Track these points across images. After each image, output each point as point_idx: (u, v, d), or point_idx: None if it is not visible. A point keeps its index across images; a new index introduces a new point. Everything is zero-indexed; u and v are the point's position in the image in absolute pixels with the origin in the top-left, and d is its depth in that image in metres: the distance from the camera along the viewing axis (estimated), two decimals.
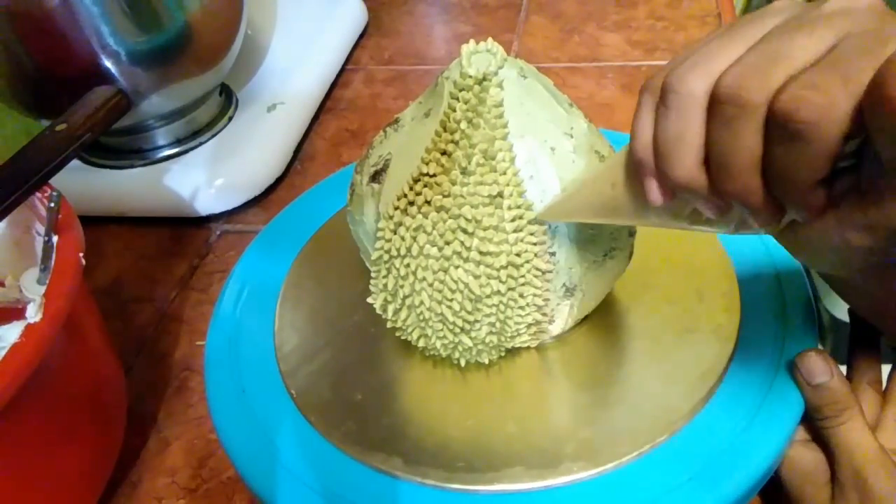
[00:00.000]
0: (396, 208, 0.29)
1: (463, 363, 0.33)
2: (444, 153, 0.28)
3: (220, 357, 0.36)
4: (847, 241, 0.21)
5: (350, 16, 0.72)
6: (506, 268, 0.29)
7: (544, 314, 0.31)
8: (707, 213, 0.23)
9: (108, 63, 0.47)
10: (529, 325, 0.31)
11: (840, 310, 0.47)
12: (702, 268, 0.36)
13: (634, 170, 0.25)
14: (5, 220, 0.36)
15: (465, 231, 0.28)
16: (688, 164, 0.22)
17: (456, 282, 0.29)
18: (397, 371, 0.34)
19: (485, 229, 0.28)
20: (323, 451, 0.31)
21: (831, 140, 0.19)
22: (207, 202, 0.53)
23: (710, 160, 0.22)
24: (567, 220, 0.29)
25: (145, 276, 0.50)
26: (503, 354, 0.33)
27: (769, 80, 0.20)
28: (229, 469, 0.38)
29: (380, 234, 0.31)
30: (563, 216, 0.29)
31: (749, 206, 0.22)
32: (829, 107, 0.19)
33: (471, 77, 0.27)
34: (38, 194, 0.36)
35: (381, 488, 0.29)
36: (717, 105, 0.21)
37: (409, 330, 0.32)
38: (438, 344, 0.32)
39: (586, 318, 0.34)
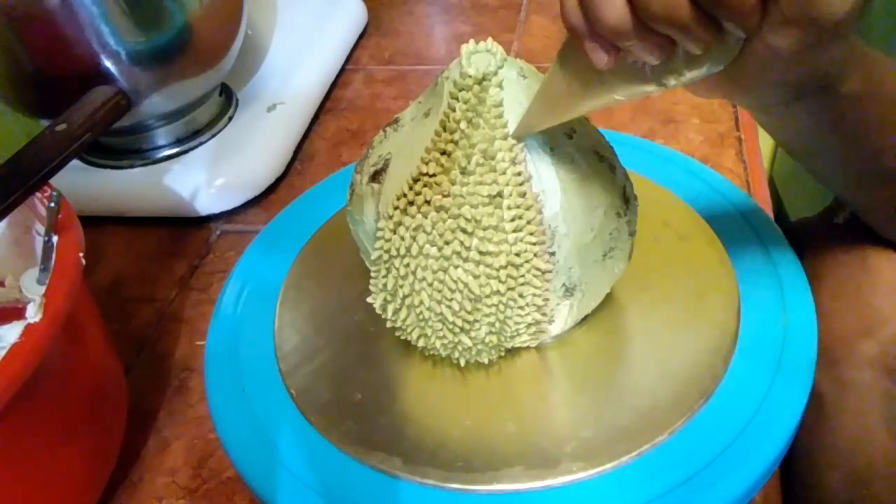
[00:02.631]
0: (396, 208, 0.29)
1: (462, 363, 0.33)
2: (443, 153, 0.28)
3: (220, 357, 0.36)
4: (779, 47, 0.22)
5: (350, 16, 0.72)
6: (505, 268, 0.29)
7: (544, 314, 0.31)
8: (650, 58, 0.24)
9: (108, 63, 0.47)
10: (529, 325, 0.31)
11: None
12: (702, 268, 0.36)
13: (575, 46, 0.25)
14: (5, 220, 0.36)
15: (464, 231, 0.28)
16: (616, 5, 0.22)
17: (455, 282, 0.29)
18: (397, 371, 0.34)
19: (484, 229, 0.28)
20: (322, 450, 0.31)
21: None
22: (207, 202, 0.53)
23: None
24: (538, 129, 0.29)
25: (145, 276, 0.50)
26: (503, 354, 0.33)
27: None
28: (229, 469, 0.38)
29: (379, 233, 0.31)
30: (532, 126, 0.29)
31: (680, 25, 0.22)
32: None
33: (471, 77, 0.27)
34: (38, 194, 0.36)
35: (380, 488, 0.29)
36: None
37: (409, 330, 0.32)
38: (438, 344, 0.32)
39: (586, 318, 0.34)
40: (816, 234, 0.40)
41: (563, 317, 0.32)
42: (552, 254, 0.30)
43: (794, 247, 0.36)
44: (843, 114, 0.29)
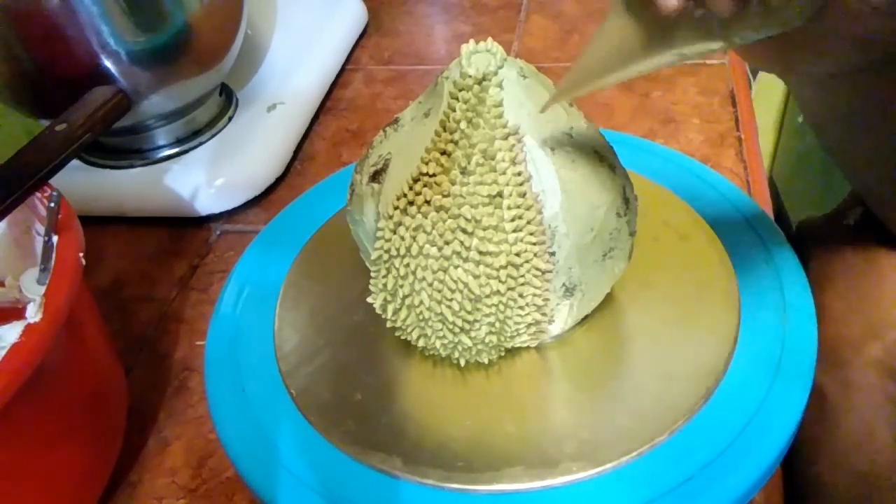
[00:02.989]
0: (396, 208, 0.29)
1: (462, 363, 0.33)
2: (443, 153, 0.28)
3: (220, 357, 0.36)
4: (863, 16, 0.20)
5: (350, 16, 0.72)
6: (505, 268, 0.29)
7: (544, 314, 0.31)
8: (723, 7, 0.21)
9: (108, 63, 0.47)
10: (529, 325, 0.31)
11: None
12: (702, 268, 0.36)
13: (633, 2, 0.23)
14: (5, 220, 0.36)
15: (464, 231, 0.29)
16: None
17: (455, 281, 0.29)
18: (397, 371, 0.34)
19: (484, 229, 0.28)
20: (323, 450, 0.31)
21: None
22: (207, 202, 0.53)
23: None
24: (583, 90, 0.27)
25: (145, 276, 0.50)
26: (503, 354, 0.33)
27: None
28: (229, 469, 0.38)
29: (379, 233, 0.31)
30: (578, 85, 0.27)
31: None
32: None
33: (471, 77, 0.27)
34: (38, 194, 0.36)
35: (380, 488, 0.29)
36: None
37: (409, 330, 0.32)
38: (438, 344, 0.32)
39: (586, 318, 0.34)
40: (825, 235, 0.40)
41: (563, 317, 0.32)
42: (552, 254, 0.30)
43: (801, 246, 0.36)
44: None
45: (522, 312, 0.31)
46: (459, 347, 0.32)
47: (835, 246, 0.38)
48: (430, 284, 0.30)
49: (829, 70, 0.27)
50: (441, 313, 0.30)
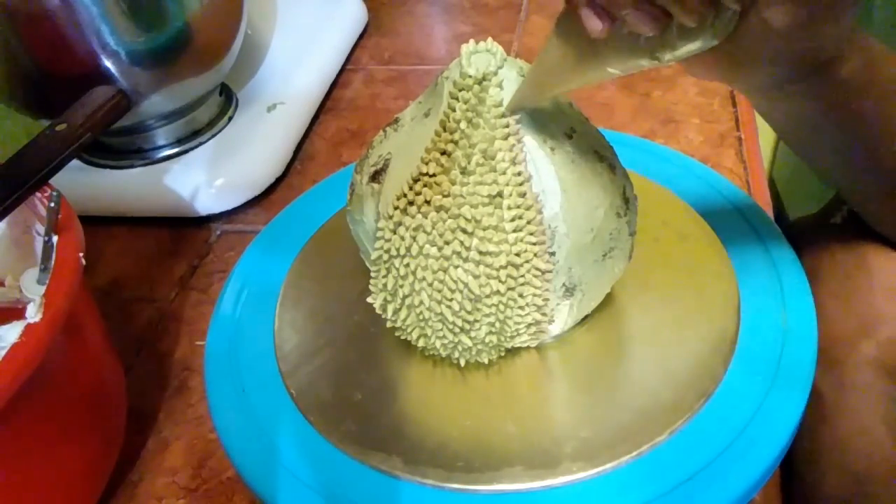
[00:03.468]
0: (396, 208, 0.29)
1: (463, 363, 0.33)
2: (443, 153, 0.28)
3: (220, 357, 0.36)
4: (773, 21, 0.22)
5: (350, 16, 0.72)
6: (505, 268, 0.29)
7: (544, 314, 0.31)
8: (645, 29, 0.23)
9: (108, 63, 0.47)
10: (529, 325, 0.31)
11: None
12: (702, 268, 0.36)
13: (572, 16, 0.25)
14: (5, 220, 0.36)
15: (464, 231, 0.28)
16: None
17: (455, 282, 0.29)
18: (397, 371, 0.34)
19: (484, 229, 0.28)
20: (323, 450, 0.31)
21: None
22: (207, 202, 0.53)
23: None
24: (531, 104, 0.29)
25: (145, 276, 0.50)
26: (503, 354, 0.33)
27: None
28: (229, 469, 0.38)
29: (379, 233, 0.31)
30: (526, 100, 0.28)
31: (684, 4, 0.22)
32: None
33: (471, 77, 0.27)
34: (38, 194, 0.36)
35: (380, 488, 0.29)
36: None
37: (409, 330, 0.32)
38: (438, 344, 0.32)
39: (586, 318, 0.34)
40: (813, 234, 0.40)
41: (563, 317, 0.32)
42: (552, 254, 0.30)
43: (793, 247, 0.36)
44: (840, 100, 0.29)
45: (522, 312, 0.31)
46: (459, 347, 0.32)
47: (824, 245, 0.38)
48: (430, 284, 0.30)
49: (759, 82, 0.29)
50: (441, 313, 0.30)
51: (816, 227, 0.41)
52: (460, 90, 0.28)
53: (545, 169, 0.29)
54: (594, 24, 0.24)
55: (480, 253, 0.29)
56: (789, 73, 0.27)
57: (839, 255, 0.37)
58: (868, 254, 0.36)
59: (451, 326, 0.31)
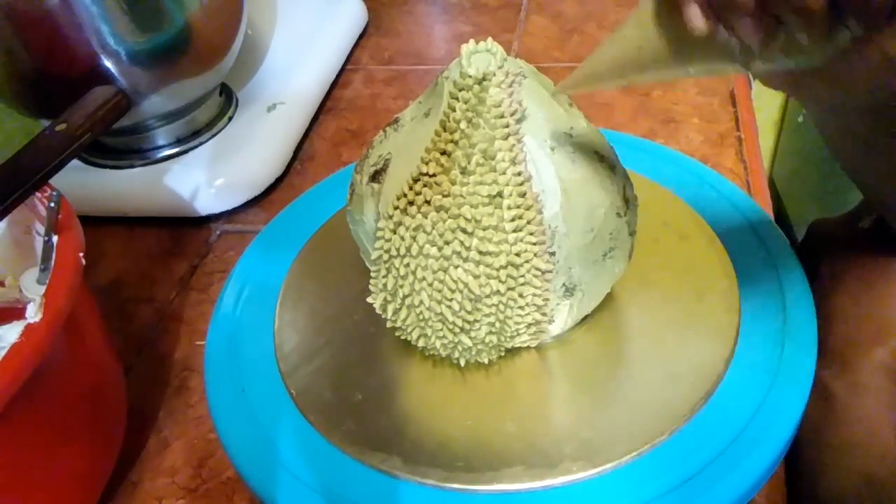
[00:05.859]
0: (396, 208, 0.29)
1: (463, 363, 0.33)
2: (443, 153, 0.28)
3: (220, 357, 0.36)
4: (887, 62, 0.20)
5: (350, 16, 0.72)
6: (505, 268, 0.29)
7: (544, 314, 0.31)
8: (751, 38, 0.22)
9: (108, 63, 0.47)
10: (529, 325, 0.31)
11: None
12: (702, 268, 0.36)
13: (665, 7, 0.23)
14: (5, 220, 0.36)
15: (464, 231, 0.28)
16: None
17: (455, 281, 0.29)
18: (397, 371, 0.34)
19: (484, 229, 0.28)
20: (323, 450, 0.31)
21: None
22: (207, 202, 0.53)
23: None
24: (593, 85, 0.27)
25: (145, 276, 0.50)
26: (503, 354, 0.33)
27: None
28: (229, 469, 0.38)
29: (379, 233, 0.31)
30: (582, 83, 0.27)
31: (803, 9, 0.20)
32: None
33: (471, 77, 0.27)
34: (38, 194, 0.36)
35: (380, 488, 0.29)
36: None
37: (409, 330, 0.32)
38: (438, 344, 0.32)
39: (586, 318, 0.34)
40: (839, 237, 0.40)
41: (563, 317, 0.32)
42: (552, 254, 0.30)
43: (812, 247, 0.36)
44: None
45: (522, 312, 0.31)
46: (459, 347, 0.32)
47: (849, 248, 0.38)
48: (430, 284, 0.30)
49: (838, 104, 0.27)
50: (441, 313, 0.30)
51: (841, 229, 0.41)
52: (460, 90, 0.28)
53: (545, 169, 0.29)
54: (698, 23, 0.22)
55: (480, 253, 0.29)
56: (881, 102, 0.25)
57: (863, 260, 0.37)
58: (893, 262, 0.36)
59: (451, 326, 0.31)
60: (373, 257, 0.31)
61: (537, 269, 0.30)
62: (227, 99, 0.61)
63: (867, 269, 0.36)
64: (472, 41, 0.28)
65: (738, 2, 0.21)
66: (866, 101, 0.26)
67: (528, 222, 0.29)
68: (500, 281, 0.29)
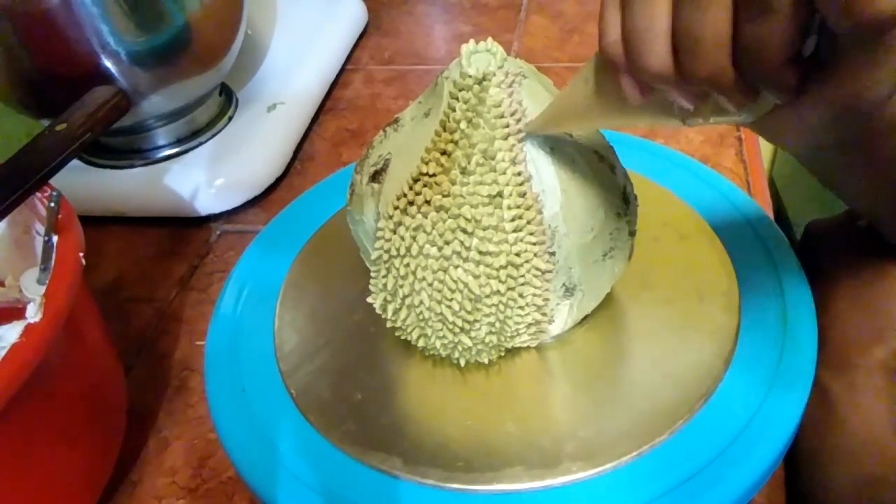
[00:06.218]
0: (396, 208, 0.29)
1: (463, 363, 0.33)
2: (443, 153, 0.28)
3: (220, 357, 0.36)
4: (817, 117, 0.22)
5: (350, 16, 0.72)
6: (505, 268, 0.29)
7: (544, 314, 0.31)
8: (682, 103, 0.23)
9: (108, 63, 0.47)
10: (529, 325, 0.31)
11: None
12: (702, 268, 0.36)
13: (607, 69, 0.25)
14: (5, 220, 0.36)
15: (464, 231, 0.28)
16: (658, 52, 0.22)
17: (455, 281, 0.29)
18: (397, 371, 0.34)
19: (484, 229, 0.28)
20: (323, 450, 0.31)
21: (800, 10, 0.19)
22: (207, 202, 0.53)
23: (680, 45, 0.22)
24: (551, 131, 0.29)
25: (145, 276, 0.50)
26: (503, 354, 0.33)
27: None
28: (229, 469, 0.38)
29: (379, 233, 0.31)
30: (543, 128, 0.29)
31: (721, 88, 0.22)
32: None
33: (471, 77, 0.27)
34: (38, 194, 0.36)
35: (380, 488, 0.29)
36: None
37: (409, 330, 0.32)
38: (438, 344, 0.32)
39: (586, 318, 0.34)
40: (837, 237, 0.40)
41: (563, 317, 0.32)
42: (552, 254, 0.30)
43: (810, 247, 0.36)
44: (880, 144, 0.28)
45: (522, 312, 0.31)
46: (459, 347, 0.32)
47: (847, 248, 0.38)
48: (430, 284, 0.30)
49: (792, 146, 0.28)
50: (441, 313, 0.30)
51: (840, 229, 0.41)
52: (460, 90, 0.28)
53: (545, 169, 0.29)
54: (633, 94, 0.24)
55: (480, 253, 0.29)
56: (825, 142, 0.26)
57: (861, 259, 0.37)
58: (891, 261, 0.36)
59: (451, 326, 0.31)
60: (373, 257, 0.31)
61: (537, 269, 0.30)
62: (227, 99, 0.61)
63: (865, 269, 0.36)
64: (472, 41, 0.28)
65: (662, 79, 0.22)
66: (804, 146, 0.27)
67: (528, 222, 0.29)
68: (500, 281, 0.29)
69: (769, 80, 0.21)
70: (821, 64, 0.21)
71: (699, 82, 0.22)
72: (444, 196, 0.28)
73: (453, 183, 0.28)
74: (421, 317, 0.31)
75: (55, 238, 0.33)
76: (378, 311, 0.33)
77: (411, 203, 0.29)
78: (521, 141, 0.29)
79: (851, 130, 0.23)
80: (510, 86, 0.28)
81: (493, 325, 0.31)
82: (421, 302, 0.30)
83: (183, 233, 0.53)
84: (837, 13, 0.19)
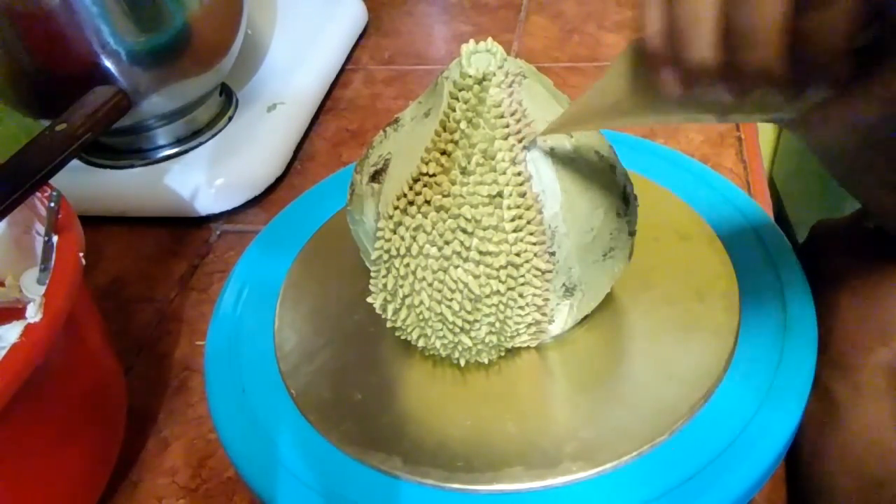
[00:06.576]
0: (396, 208, 0.29)
1: (463, 363, 0.33)
2: (443, 153, 0.28)
3: (220, 357, 0.36)
4: (864, 113, 0.21)
5: (350, 16, 0.72)
6: (505, 268, 0.29)
7: (544, 314, 0.31)
8: (727, 98, 0.22)
9: (108, 63, 0.47)
10: (529, 325, 0.31)
11: None
12: (702, 268, 0.36)
13: (643, 65, 0.24)
14: (5, 220, 0.36)
15: (464, 231, 0.28)
16: (707, 44, 0.21)
17: (455, 281, 0.29)
18: (397, 371, 0.34)
19: (484, 229, 0.28)
20: (323, 450, 0.31)
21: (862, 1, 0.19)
22: (207, 202, 0.53)
23: (731, 34, 0.21)
24: (575, 129, 0.28)
25: (145, 276, 0.50)
26: (503, 354, 0.33)
27: None
28: (229, 469, 0.38)
29: (379, 233, 0.31)
30: (571, 124, 0.28)
31: (772, 80, 0.21)
32: None
33: (471, 77, 0.27)
34: (38, 194, 0.36)
35: (380, 488, 0.29)
36: None
37: (409, 330, 0.32)
38: (438, 344, 0.32)
39: (586, 318, 0.34)
40: (843, 238, 0.40)
41: (563, 317, 0.32)
42: (552, 254, 0.30)
43: (816, 248, 0.36)
44: None
45: (522, 312, 0.31)
46: (459, 347, 0.32)
47: (854, 249, 0.38)
48: (430, 284, 0.30)
49: (825, 143, 0.28)
50: (441, 313, 0.30)
51: (846, 230, 0.41)
52: (460, 90, 0.28)
53: (545, 169, 0.29)
54: (673, 90, 0.23)
55: (480, 253, 0.29)
56: (866, 141, 0.26)
57: (867, 261, 0.37)
58: None
59: (451, 326, 0.31)
60: (373, 257, 0.31)
61: (537, 269, 0.30)
62: (227, 99, 0.61)
63: (871, 271, 0.36)
64: (472, 41, 0.28)
65: (709, 71, 0.22)
66: (853, 140, 0.26)
67: (528, 222, 0.29)
68: (500, 281, 0.29)
69: (825, 72, 0.20)
70: (875, 58, 0.20)
71: (749, 75, 0.21)
72: (444, 196, 0.28)
73: (453, 183, 0.28)
74: (421, 317, 0.31)
75: (55, 238, 0.33)
76: (378, 311, 0.33)
77: (411, 203, 0.29)
78: (520, 140, 0.29)
79: (885, 134, 0.22)
80: (510, 86, 0.28)
81: (493, 325, 0.31)
82: (421, 302, 0.30)
83: (183, 233, 0.53)
84: None
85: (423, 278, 0.30)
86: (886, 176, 0.30)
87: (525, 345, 0.33)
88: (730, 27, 0.21)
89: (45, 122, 0.42)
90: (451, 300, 0.30)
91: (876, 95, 0.21)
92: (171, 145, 0.56)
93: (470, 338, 0.31)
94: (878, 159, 0.29)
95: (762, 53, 0.20)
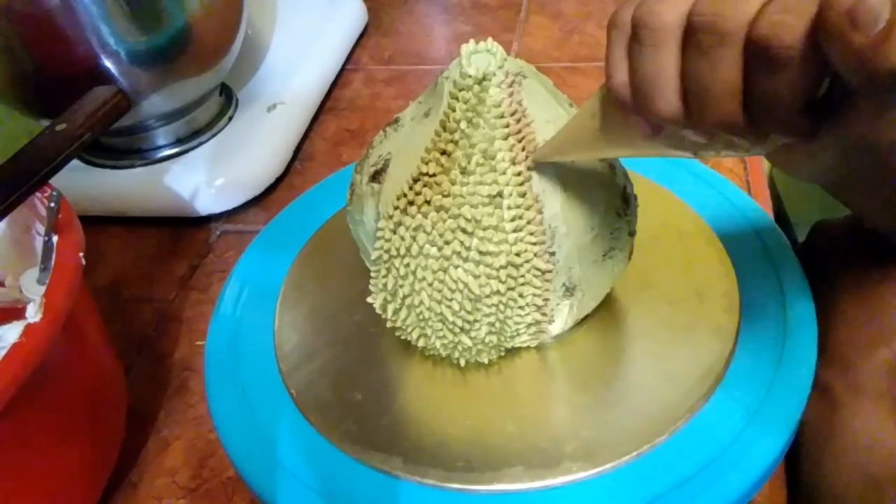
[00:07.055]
0: (396, 208, 0.29)
1: (463, 363, 0.33)
2: (443, 153, 0.28)
3: (220, 357, 0.36)
4: (829, 154, 0.22)
5: (350, 16, 0.72)
6: (505, 268, 0.29)
7: (544, 314, 0.31)
8: (695, 139, 0.23)
9: (108, 63, 0.47)
10: (529, 325, 0.31)
11: None
12: (702, 268, 0.36)
13: (612, 110, 0.25)
14: (5, 220, 0.36)
15: (464, 231, 0.28)
16: (668, 98, 0.22)
17: (455, 281, 0.29)
18: (397, 371, 0.34)
19: (484, 229, 0.28)
20: (323, 450, 0.31)
21: (812, 64, 0.19)
22: (207, 202, 0.53)
23: (689, 92, 0.21)
24: (558, 159, 0.29)
25: (145, 276, 0.50)
26: (503, 354, 0.33)
27: (744, 6, 0.20)
28: (229, 469, 0.38)
29: (379, 233, 0.31)
30: (551, 156, 0.28)
31: (735, 130, 0.21)
32: (808, 29, 0.18)
33: (471, 77, 0.27)
34: (38, 194, 0.36)
35: (380, 488, 0.29)
36: (693, 35, 0.21)
37: (409, 330, 0.32)
38: (438, 344, 0.32)
39: (586, 318, 0.34)
40: (844, 238, 0.40)
41: (563, 317, 0.32)
42: (552, 254, 0.30)
43: (818, 249, 0.36)
44: (889, 163, 0.28)
45: (522, 312, 0.31)
46: (459, 347, 0.32)
47: (853, 249, 0.38)
48: (430, 284, 0.30)
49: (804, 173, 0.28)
50: (441, 313, 0.30)
51: (847, 231, 0.41)
52: (460, 90, 0.28)
53: (545, 168, 0.29)
54: (644, 131, 0.24)
55: (480, 253, 0.29)
56: (836, 175, 0.26)
57: (868, 261, 0.37)
58: None
59: (451, 326, 0.31)
60: (373, 257, 0.31)
61: (537, 269, 0.30)
62: (227, 99, 0.61)
63: (872, 271, 0.36)
64: (472, 41, 0.28)
65: (672, 121, 0.22)
66: (826, 175, 0.27)
67: (528, 222, 0.29)
68: (500, 281, 0.29)
69: (781, 128, 0.21)
70: (833, 105, 0.21)
71: (710, 127, 0.22)
72: (444, 196, 0.28)
73: (453, 183, 0.28)
74: (421, 317, 0.31)
75: (55, 238, 0.33)
76: (378, 311, 0.33)
77: (411, 203, 0.29)
78: (520, 140, 0.29)
79: (864, 165, 0.22)
80: (510, 86, 0.28)
81: (493, 325, 0.31)
82: (421, 302, 0.30)
83: (183, 233, 0.53)
84: (850, 69, 0.18)
85: (423, 278, 0.30)
86: (874, 195, 0.30)
87: (525, 345, 0.33)
88: (687, 86, 0.21)
89: (45, 122, 0.42)
90: (451, 300, 0.30)
91: (836, 140, 0.21)
92: (171, 145, 0.56)
93: (470, 338, 0.31)
94: (857, 184, 0.29)
95: (720, 110, 0.21)
